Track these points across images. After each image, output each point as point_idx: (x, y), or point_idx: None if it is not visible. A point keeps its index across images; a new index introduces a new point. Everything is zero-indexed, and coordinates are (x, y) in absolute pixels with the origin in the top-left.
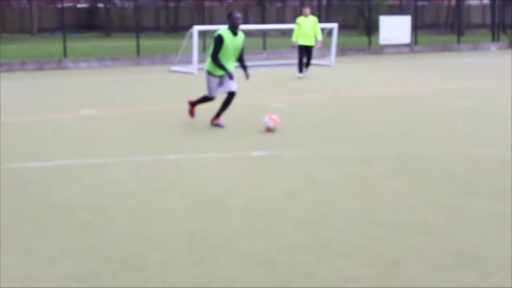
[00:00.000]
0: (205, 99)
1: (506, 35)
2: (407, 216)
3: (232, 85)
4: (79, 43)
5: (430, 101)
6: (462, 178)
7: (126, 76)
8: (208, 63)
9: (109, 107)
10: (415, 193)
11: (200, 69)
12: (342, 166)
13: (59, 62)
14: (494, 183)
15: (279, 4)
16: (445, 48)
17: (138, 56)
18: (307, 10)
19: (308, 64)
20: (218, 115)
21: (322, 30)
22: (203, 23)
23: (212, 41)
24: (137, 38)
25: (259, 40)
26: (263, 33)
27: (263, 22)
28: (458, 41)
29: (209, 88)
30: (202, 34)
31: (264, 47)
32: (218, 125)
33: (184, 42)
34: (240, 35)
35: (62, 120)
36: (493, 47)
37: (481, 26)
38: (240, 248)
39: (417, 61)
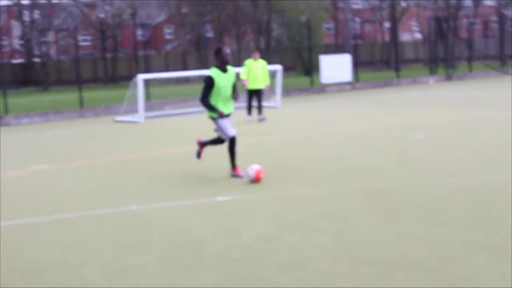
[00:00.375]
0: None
1: (443, 69)
2: (389, 252)
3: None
4: (17, 99)
5: (383, 136)
6: (433, 209)
7: (71, 129)
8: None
9: (60, 161)
10: (391, 228)
11: (147, 117)
12: (311, 206)
13: (0, 119)
14: (466, 213)
15: None
16: (386, 84)
17: (81, 108)
18: (257, 54)
19: (260, 107)
20: (233, 164)
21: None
22: (141, 72)
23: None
24: (80, 90)
25: (199, 87)
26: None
27: (203, 67)
28: (398, 76)
29: (223, 130)
30: (146, 83)
31: None
32: (237, 176)
33: (129, 91)
34: (231, 70)
35: (14, 177)
36: (431, 80)
37: (415, 61)
38: None
39: (360, 97)
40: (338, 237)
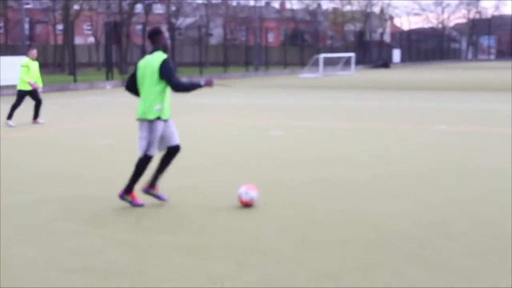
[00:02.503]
0: (142, 167)
1: (118, 74)
2: (98, 260)
3: (176, 136)
4: None
5: (71, 141)
6: (135, 215)
7: None
8: (150, 107)
9: None
10: (96, 235)
11: None
12: (6, 217)
13: None
14: (165, 217)
15: None
16: (63, 88)
17: None
18: (34, 51)
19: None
20: (155, 180)
21: None
22: None
23: (156, 71)
24: None
25: None
26: None
27: None
28: (75, 81)
29: (152, 141)
30: None
31: None
32: (159, 198)
33: None
34: None
35: None
36: (108, 85)
37: (88, 65)
38: None
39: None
40: (43, 247)
